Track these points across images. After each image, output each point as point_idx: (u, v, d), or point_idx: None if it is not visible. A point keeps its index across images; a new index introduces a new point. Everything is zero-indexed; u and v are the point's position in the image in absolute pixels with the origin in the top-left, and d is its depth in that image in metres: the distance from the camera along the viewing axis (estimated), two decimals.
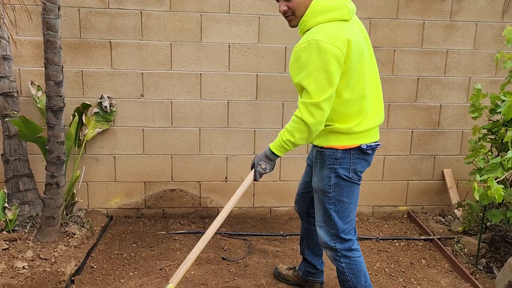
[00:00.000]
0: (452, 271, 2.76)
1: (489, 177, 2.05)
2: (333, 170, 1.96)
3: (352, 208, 2.03)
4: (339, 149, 1.94)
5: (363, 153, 1.96)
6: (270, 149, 1.98)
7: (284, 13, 1.94)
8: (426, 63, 3.36)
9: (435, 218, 3.44)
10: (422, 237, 3.16)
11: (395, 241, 3.15)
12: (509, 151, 2.17)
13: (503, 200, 2.63)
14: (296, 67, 1.85)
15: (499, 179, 2.18)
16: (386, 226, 3.40)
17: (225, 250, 2.93)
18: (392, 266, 2.81)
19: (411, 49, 3.33)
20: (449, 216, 3.41)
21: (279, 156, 1.99)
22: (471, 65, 3.39)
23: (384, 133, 3.43)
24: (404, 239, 3.16)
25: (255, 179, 2.06)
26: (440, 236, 3.12)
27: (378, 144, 2.03)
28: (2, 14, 2.45)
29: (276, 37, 3.21)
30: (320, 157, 2.00)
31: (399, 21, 3.27)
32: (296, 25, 1.96)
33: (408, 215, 3.55)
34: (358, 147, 1.94)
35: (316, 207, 2.08)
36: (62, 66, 2.28)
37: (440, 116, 3.45)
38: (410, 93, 3.39)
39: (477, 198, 2.12)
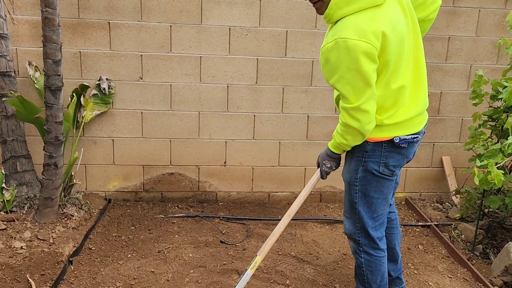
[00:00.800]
0: (449, 257, 2.78)
1: (489, 162, 2.04)
2: (361, 162, 1.85)
3: (381, 204, 1.90)
4: (370, 142, 1.81)
5: (396, 146, 1.79)
6: (330, 149, 1.90)
7: (313, 1, 1.73)
8: (427, 50, 3.33)
9: (432, 205, 3.45)
10: (420, 223, 3.18)
11: None
12: (509, 137, 2.17)
13: (501, 187, 2.65)
14: (327, 69, 1.68)
15: (499, 165, 2.18)
16: None
17: (223, 234, 2.93)
18: None
19: None
20: (447, 203, 3.42)
21: (340, 154, 1.91)
22: (472, 52, 3.38)
23: None
24: (401, 225, 3.16)
25: (322, 177, 1.99)
26: (437, 223, 3.13)
27: (415, 137, 1.81)
28: None
29: (277, 20, 3.17)
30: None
31: None
32: (323, 12, 1.74)
33: (406, 202, 3.56)
34: (390, 139, 1.78)
35: (344, 197, 2.01)
36: (61, 44, 2.25)
37: (440, 103, 3.44)
38: None
39: (477, 183, 2.12)
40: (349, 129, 1.73)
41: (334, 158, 1.91)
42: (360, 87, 1.63)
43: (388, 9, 1.66)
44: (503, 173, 2.10)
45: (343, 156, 1.98)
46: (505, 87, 2.44)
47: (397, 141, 1.78)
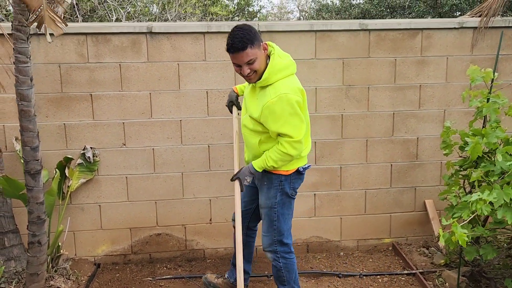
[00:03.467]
0: None
1: (453, 222, 2.10)
2: (279, 189, 2.45)
3: (290, 218, 2.56)
4: (284, 174, 2.43)
5: (300, 173, 2.48)
6: (254, 167, 2.40)
7: (248, 74, 2.27)
8: (400, 98, 3.45)
9: (419, 250, 3.47)
10: (405, 272, 3.19)
11: (378, 276, 3.18)
12: (473, 194, 2.23)
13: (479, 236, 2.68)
14: (272, 119, 2.26)
15: (465, 222, 2.23)
16: (371, 260, 3.43)
17: None
18: None
19: (385, 86, 3.41)
20: (432, 248, 3.44)
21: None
22: (444, 97, 3.47)
23: (363, 167, 3.50)
24: (387, 274, 3.19)
25: (242, 190, 2.44)
26: (422, 270, 3.15)
27: (309, 166, 2.56)
28: None
29: None
30: (267, 180, 2.47)
31: (371, 59, 3.37)
32: (255, 81, 2.31)
33: (393, 248, 3.58)
34: (297, 169, 2.45)
35: (264, 220, 2.54)
36: (38, 132, 2.38)
37: (418, 149, 3.52)
38: (386, 127, 3.47)
39: (443, 243, 2.17)
40: (286, 157, 2.31)
41: (253, 175, 2.43)
42: (299, 125, 2.27)
43: (296, 77, 2.40)
44: (472, 227, 2.16)
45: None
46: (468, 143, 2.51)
47: (301, 170, 2.47)
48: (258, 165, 2.38)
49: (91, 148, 3.22)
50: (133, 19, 7.52)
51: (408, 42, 3.38)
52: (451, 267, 3.10)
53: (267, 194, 2.47)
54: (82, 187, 3.27)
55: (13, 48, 2.18)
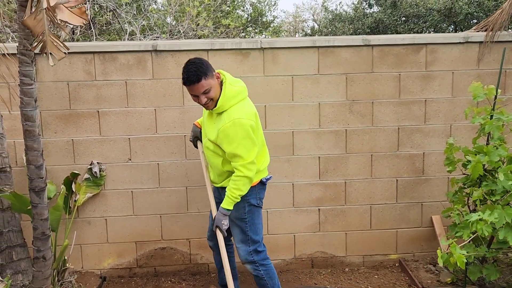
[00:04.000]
0: None
1: (451, 243, 2.07)
2: (246, 201, 2.58)
3: (261, 228, 2.69)
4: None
5: (263, 184, 2.66)
6: (225, 208, 2.51)
7: (205, 103, 2.43)
8: (405, 113, 3.42)
9: (425, 266, 3.41)
10: None
11: None
12: (474, 214, 2.19)
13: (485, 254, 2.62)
14: (226, 141, 2.44)
15: (466, 241, 2.20)
16: (376, 276, 3.39)
17: None
18: None
19: (389, 101, 3.40)
20: (439, 265, 3.38)
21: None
22: (451, 112, 3.43)
23: (368, 182, 3.47)
24: None
25: (224, 235, 2.55)
26: None
27: (271, 177, 2.73)
28: None
29: (255, 97, 3.30)
30: None
31: (374, 74, 3.36)
32: (213, 108, 2.47)
33: (399, 264, 3.53)
34: (260, 181, 2.62)
35: (234, 232, 2.65)
36: (42, 151, 2.45)
37: (424, 164, 3.48)
38: (391, 142, 3.44)
39: (441, 264, 2.14)
40: (244, 180, 2.44)
41: (227, 215, 2.52)
42: (251, 148, 2.44)
43: (250, 100, 2.59)
44: (476, 246, 2.12)
45: None
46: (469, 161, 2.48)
47: (264, 180, 2.65)
48: (227, 204, 2.49)
49: (97, 163, 3.29)
50: (148, 31, 7.66)
51: (412, 57, 3.36)
52: (458, 286, 3.04)
53: (236, 207, 2.56)
54: (89, 201, 3.34)
55: (18, 71, 2.27)
